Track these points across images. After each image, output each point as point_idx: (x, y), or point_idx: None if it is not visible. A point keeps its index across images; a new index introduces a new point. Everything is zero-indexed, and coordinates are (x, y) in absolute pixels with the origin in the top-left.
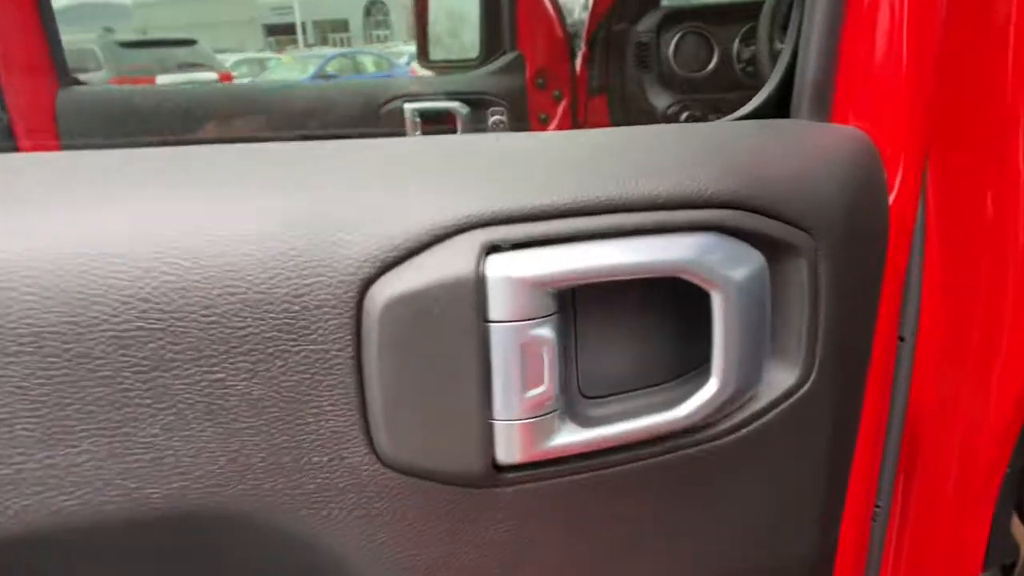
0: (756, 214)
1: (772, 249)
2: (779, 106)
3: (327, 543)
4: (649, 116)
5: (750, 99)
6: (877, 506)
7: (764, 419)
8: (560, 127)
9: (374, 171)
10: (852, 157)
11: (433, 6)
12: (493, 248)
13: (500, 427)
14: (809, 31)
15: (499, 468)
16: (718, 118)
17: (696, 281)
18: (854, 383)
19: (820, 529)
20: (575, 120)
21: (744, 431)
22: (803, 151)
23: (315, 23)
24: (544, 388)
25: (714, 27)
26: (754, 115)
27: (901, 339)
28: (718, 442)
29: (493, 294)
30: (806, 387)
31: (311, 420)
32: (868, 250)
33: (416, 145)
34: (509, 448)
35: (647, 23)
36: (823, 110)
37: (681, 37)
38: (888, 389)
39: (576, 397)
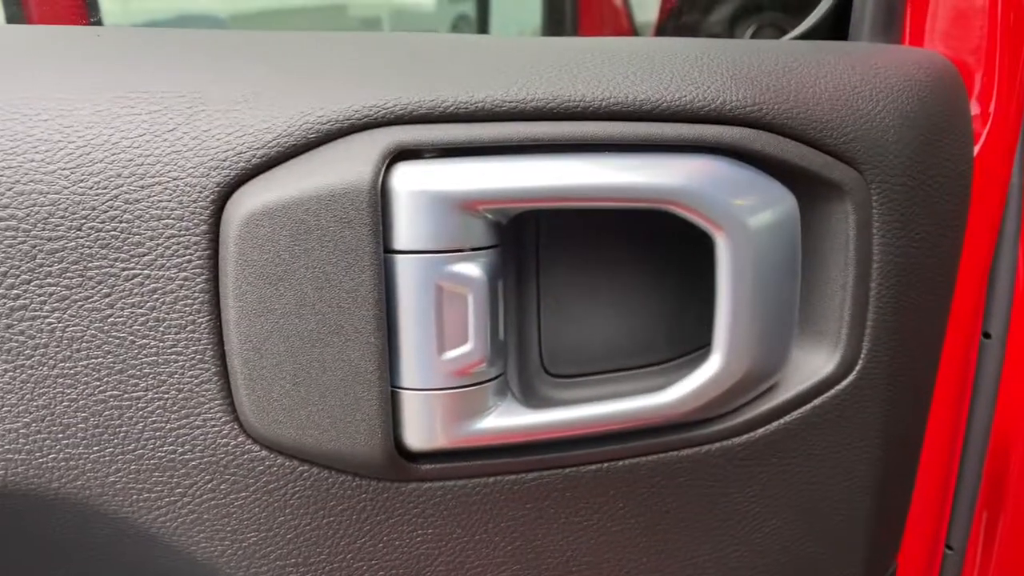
0: (784, 137)
1: (807, 187)
2: (837, 29)
3: (176, 539)
4: None
5: None
6: (948, 547)
7: (790, 416)
8: None
9: (260, 58)
10: (925, 84)
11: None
12: (405, 153)
13: (408, 399)
14: None
15: (408, 455)
16: None
17: (693, 218)
18: (918, 384)
19: (864, 569)
20: None
21: (762, 430)
22: (858, 71)
23: None
24: (469, 347)
25: (792, 19)
26: (805, 39)
27: (986, 335)
28: (725, 442)
29: (400, 214)
30: (849, 379)
31: (149, 371)
32: (942, 207)
33: (334, 36)
34: (421, 428)
35: (720, 14)
36: (890, 30)
37: (756, 30)
38: (966, 398)
39: (535, 373)
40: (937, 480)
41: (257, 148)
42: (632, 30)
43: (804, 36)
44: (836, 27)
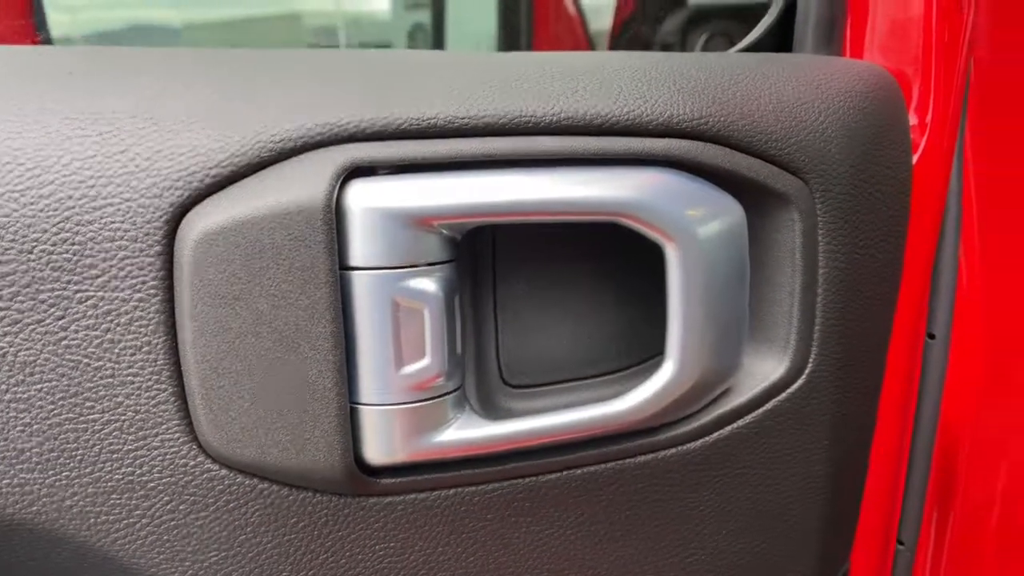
0: (731, 149)
1: (754, 197)
2: (782, 41)
3: (136, 562)
4: None
5: None
6: (900, 543)
7: (743, 420)
8: None
9: (212, 77)
10: (866, 95)
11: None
12: (359, 171)
13: (367, 414)
14: None
15: (368, 470)
16: None
17: (644, 230)
18: (866, 385)
19: (818, 568)
20: None
21: (716, 435)
22: (801, 83)
23: (360, 45)
24: (426, 362)
25: (742, 27)
26: (751, 51)
27: (931, 336)
28: (682, 447)
29: (355, 231)
30: (799, 382)
31: (104, 394)
32: (884, 214)
33: (286, 54)
34: (381, 443)
35: (672, 24)
36: (831, 42)
37: (708, 38)
38: (913, 397)
39: (494, 385)
40: (888, 478)
41: (210, 168)
42: (587, 39)
43: (750, 48)
44: (781, 39)
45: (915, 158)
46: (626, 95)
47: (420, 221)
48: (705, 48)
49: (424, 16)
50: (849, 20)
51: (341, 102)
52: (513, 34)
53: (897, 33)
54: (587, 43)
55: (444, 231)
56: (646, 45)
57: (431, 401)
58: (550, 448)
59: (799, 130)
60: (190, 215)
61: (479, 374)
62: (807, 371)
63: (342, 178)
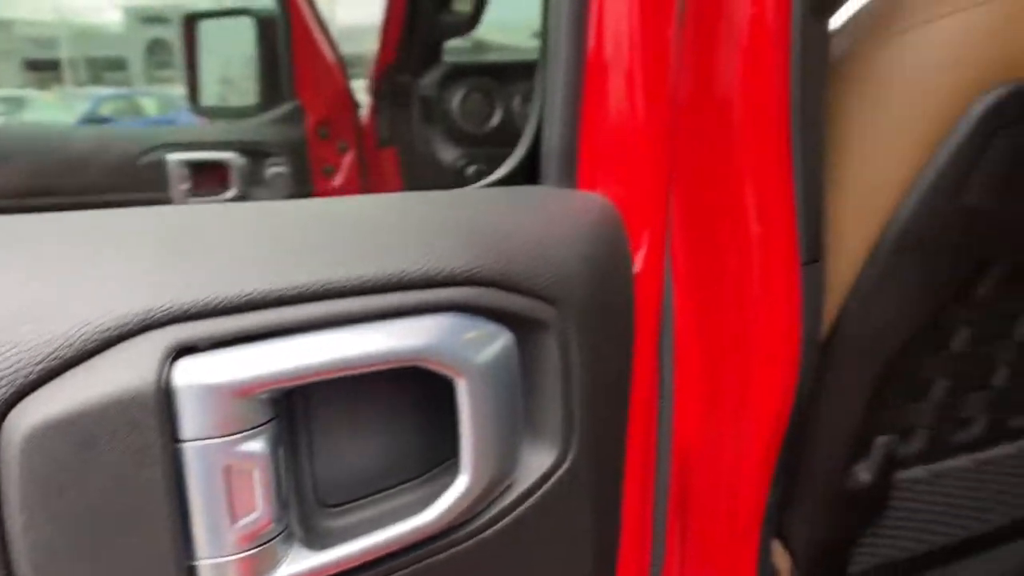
0: (499, 289)
1: (520, 325)
2: (530, 172)
3: None
4: (437, 169)
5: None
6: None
7: (524, 506)
8: (347, 179)
9: (30, 260)
10: (596, 224)
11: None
12: (184, 350)
13: (205, 569)
14: (553, 94)
15: None
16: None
17: (437, 369)
18: (614, 456)
19: None
20: (363, 172)
21: (504, 522)
22: (548, 219)
23: (88, 60)
24: (258, 514)
25: (496, 84)
26: (505, 181)
27: (660, 398)
28: (476, 538)
29: (185, 407)
30: (565, 465)
31: None
32: (616, 320)
33: (103, 220)
34: None
35: (431, 78)
36: (569, 176)
37: (465, 94)
38: (653, 452)
39: (313, 509)
40: (638, 513)
41: (36, 364)
42: (343, 73)
43: (507, 178)
44: (531, 169)
45: (635, 269)
46: (414, 251)
47: (241, 392)
48: (463, 103)
49: (163, 31)
50: (580, 155)
51: (162, 285)
52: (271, 57)
53: (616, 166)
54: (343, 73)
55: (264, 396)
56: (406, 95)
57: (263, 547)
58: (372, 562)
59: (550, 265)
60: (16, 410)
61: (300, 504)
62: (570, 457)
63: (168, 360)
